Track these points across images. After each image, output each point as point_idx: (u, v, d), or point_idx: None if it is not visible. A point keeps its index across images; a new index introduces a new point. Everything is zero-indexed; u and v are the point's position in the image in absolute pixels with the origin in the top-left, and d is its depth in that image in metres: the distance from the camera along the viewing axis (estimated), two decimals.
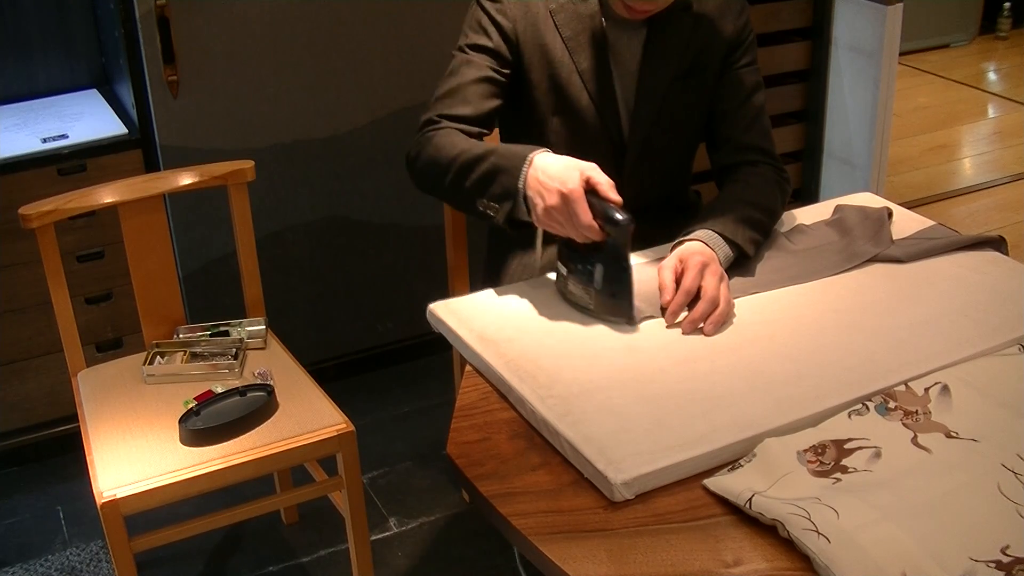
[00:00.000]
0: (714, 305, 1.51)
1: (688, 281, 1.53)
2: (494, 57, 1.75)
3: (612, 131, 1.79)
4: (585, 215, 1.45)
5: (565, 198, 1.46)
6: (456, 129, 1.70)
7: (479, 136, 1.73)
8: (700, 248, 1.58)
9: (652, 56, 1.77)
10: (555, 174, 1.48)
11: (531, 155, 1.52)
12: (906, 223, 1.77)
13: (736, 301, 1.55)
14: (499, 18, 1.74)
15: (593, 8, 1.75)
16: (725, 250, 1.62)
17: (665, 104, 1.79)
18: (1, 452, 2.49)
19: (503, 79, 1.75)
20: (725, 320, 1.51)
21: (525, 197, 1.52)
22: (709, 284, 1.52)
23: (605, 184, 1.47)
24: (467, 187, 1.60)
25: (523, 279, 1.79)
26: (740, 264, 1.65)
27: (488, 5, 1.75)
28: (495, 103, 1.75)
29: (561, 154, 1.54)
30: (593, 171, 1.48)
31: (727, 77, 1.82)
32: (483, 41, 1.75)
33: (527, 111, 1.81)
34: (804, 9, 3.11)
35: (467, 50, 1.76)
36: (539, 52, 1.75)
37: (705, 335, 1.49)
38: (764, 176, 1.79)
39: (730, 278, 1.59)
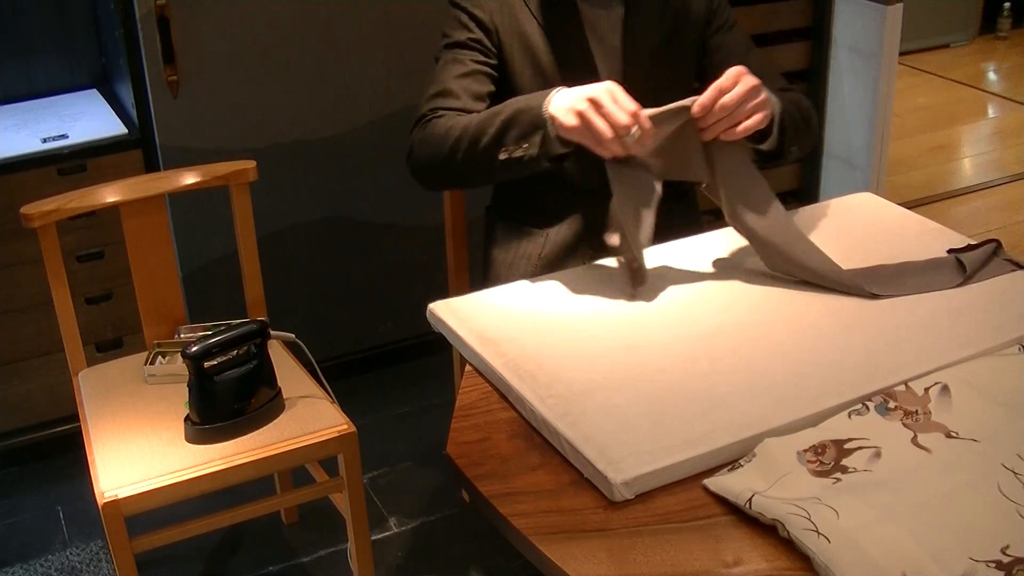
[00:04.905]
0: (734, 83, 1.50)
1: (722, 80, 1.51)
2: (477, 49, 1.75)
3: None
4: (628, 99, 1.47)
5: (599, 95, 1.47)
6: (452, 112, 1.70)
7: None
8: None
9: (632, 30, 1.76)
10: (580, 90, 1.50)
11: (550, 90, 1.55)
12: (906, 223, 1.77)
13: (736, 301, 1.55)
14: (475, 11, 1.75)
15: None
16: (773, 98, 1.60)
17: (650, 76, 1.78)
18: (1, 452, 2.49)
19: (490, 68, 1.76)
20: (741, 99, 1.50)
21: (552, 124, 1.52)
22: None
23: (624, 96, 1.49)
24: (484, 146, 1.59)
25: (520, 271, 1.79)
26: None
27: (462, 2, 1.77)
28: (485, 90, 1.75)
29: None
30: (613, 86, 1.49)
31: (715, 43, 1.81)
32: (463, 36, 1.76)
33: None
34: (804, 9, 3.11)
35: (449, 49, 1.77)
36: (519, 40, 1.76)
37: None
38: (789, 96, 1.76)
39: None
